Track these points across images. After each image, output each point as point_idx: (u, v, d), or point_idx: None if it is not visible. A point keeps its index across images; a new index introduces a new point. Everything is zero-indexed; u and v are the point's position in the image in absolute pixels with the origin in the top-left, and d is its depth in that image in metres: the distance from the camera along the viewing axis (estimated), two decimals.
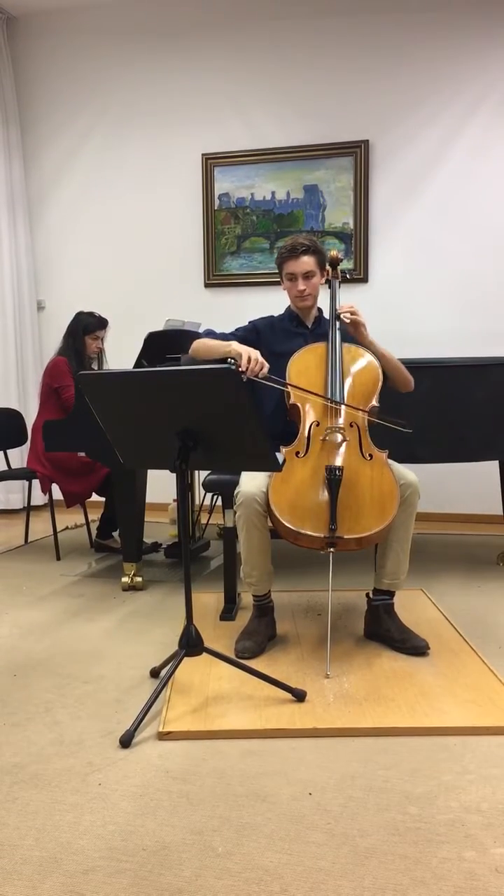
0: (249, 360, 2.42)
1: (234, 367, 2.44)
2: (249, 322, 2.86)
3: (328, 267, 2.88)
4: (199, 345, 2.66)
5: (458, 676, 2.28)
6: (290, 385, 2.53)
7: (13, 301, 4.93)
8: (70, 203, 5.06)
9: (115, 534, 3.95)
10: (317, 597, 3.06)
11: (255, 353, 2.45)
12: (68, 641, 2.67)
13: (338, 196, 4.59)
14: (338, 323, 2.64)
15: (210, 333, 2.77)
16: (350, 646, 2.54)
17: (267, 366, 2.45)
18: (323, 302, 2.82)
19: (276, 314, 2.90)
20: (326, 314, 2.86)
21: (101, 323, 3.84)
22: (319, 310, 2.88)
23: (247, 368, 2.40)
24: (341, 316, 2.63)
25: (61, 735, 1.99)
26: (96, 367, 3.90)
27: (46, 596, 3.21)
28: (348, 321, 2.61)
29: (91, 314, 3.84)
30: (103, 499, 3.97)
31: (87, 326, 3.80)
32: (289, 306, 2.86)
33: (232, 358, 2.45)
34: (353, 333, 2.66)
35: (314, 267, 2.70)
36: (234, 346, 2.49)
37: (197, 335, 3.68)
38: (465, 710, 2.07)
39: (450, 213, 4.45)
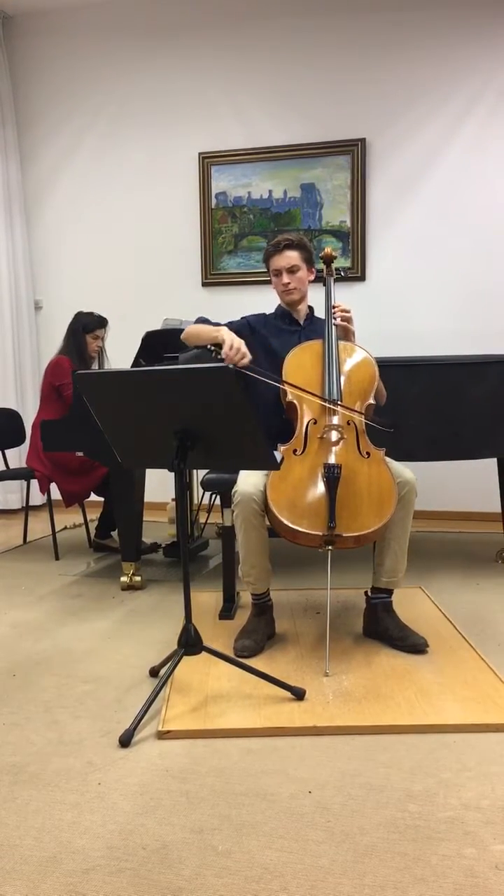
0: (231, 347, 2.44)
1: (214, 352, 2.48)
2: (242, 318, 2.85)
3: (323, 264, 2.88)
4: (190, 329, 2.68)
5: (457, 674, 2.28)
6: (301, 389, 2.51)
7: (10, 301, 4.93)
8: (67, 202, 5.06)
9: (114, 533, 3.95)
10: (315, 595, 3.07)
11: (240, 342, 2.47)
12: (67, 641, 2.67)
13: (335, 194, 4.59)
14: (333, 321, 2.65)
15: (204, 320, 2.76)
16: (349, 644, 2.55)
17: (249, 357, 2.47)
18: (318, 300, 2.82)
19: (267, 312, 2.90)
20: (318, 312, 2.86)
21: (101, 322, 3.87)
22: (311, 307, 2.88)
23: (227, 356, 2.42)
24: (333, 314, 2.64)
25: (61, 734, 1.99)
26: (97, 367, 3.91)
27: (45, 596, 3.21)
28: (337, 321, 2.62)
29: (90, 314, 3.87)
30: (102, 498, 3.97)
31: (86, 325, 3.83)
32: (279, 304, 2.86)
33: (214, 345, 2.47)
34: (342, 336, 2.67)
35: (299, 261, 2.72)
36: (223, 332, 2.52)
37: None
38: (464, 707, 2.07)
39: (447, 210, 4.45)
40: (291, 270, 2.73)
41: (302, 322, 2.84)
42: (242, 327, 2.79)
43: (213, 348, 2.49)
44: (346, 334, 2.69)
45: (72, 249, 5.07)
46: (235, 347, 2.45)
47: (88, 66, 4.92)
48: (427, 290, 4.50)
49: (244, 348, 2.47)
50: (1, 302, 4.89)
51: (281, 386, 2.56)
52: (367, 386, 2.58)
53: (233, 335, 2.50)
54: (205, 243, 4.82)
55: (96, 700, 2.19)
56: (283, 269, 2.73)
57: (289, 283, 2.74)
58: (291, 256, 2.71)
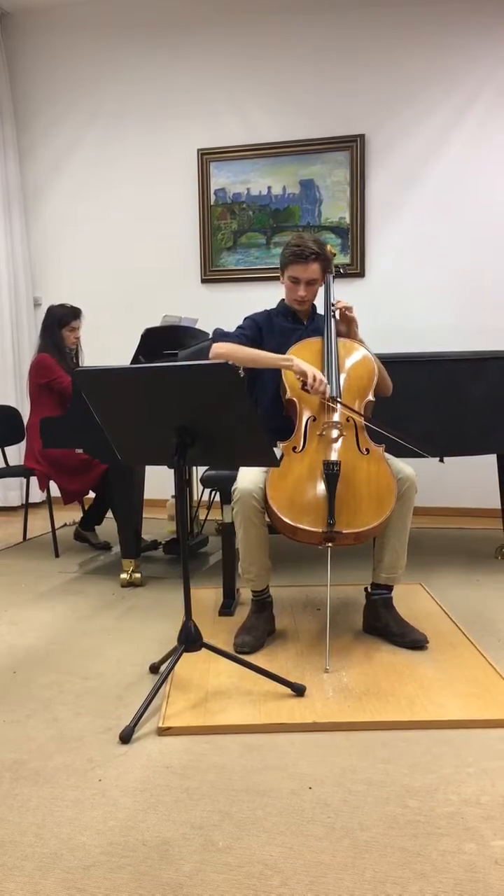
0: (315, 379, 2.41)
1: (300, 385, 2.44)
2: (247, 318, 2.84)
3: None
4: (234, 351, 2.58)
5: (457, 670, 2.28)
6: (356, 413, 2.49)
7: (9, 298, 4.93)
8: (66, 199, 5.05)
9: (98, 529, 3.97)
10: (315, 591, 3.07)
11: (321, 374, 2.44)
12: (67, 638, 2.67)
13: (334, 191, 4.58)
14: (333, 317, 2.64)
15: (224, 335, 2.74)
16: (349, 640, 2.55)
17: (327, 385, 2.44)
18: (318, 297, 2.81)
19: (269, 308, 2.89)
20: (319, 309, 2.86)
21: (75, 313, 3.83)
22: (313, 305, 2.88)
23: (312, 388, 2.41)
24: (334, 308, 2.63)
25: (61, 731, 1.99)
26: (75, 360, 3.90)
27: (45, 593, 3.21)
28: (337, 316, 2.61)
29: (62, 306, 3.83)
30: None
31: (61, 319, 3.79)
32: (283, 300, 2.85)
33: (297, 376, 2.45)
34: (345, 331, 2.67)
35: (318, 275, 2.69)
36: (297, 362, 2.47)
37: (194, 331, 3.69)
38: (464, 703, 2.07)
39: (446, 206, 4.45)
40: (310, 283, 2.69)
41: (305, 321, 2.84)
42: (253, 329, 2.78)
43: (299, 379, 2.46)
44: (350, 327, 2.68)
45: (71, 246, 5.07)
46: (319, 379, 2.41)
47: (87, 62, 4.91)
48: (427, 286, 4.50)
49: (322, 376, 2.44)
50: (0, 299, 4.89)
51: (359, 418, 2.50)
52: (367, 383, 2.58)
53: (309, 365, 2.44)
54: (204, 240, 4.81)
55: (96, 697, 2.19)
56: (303, 281, 2.68)
57: (305, 296, 2.71)
58: (314, 270, 2.66)
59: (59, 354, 3.76)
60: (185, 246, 4.84)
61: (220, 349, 2.61)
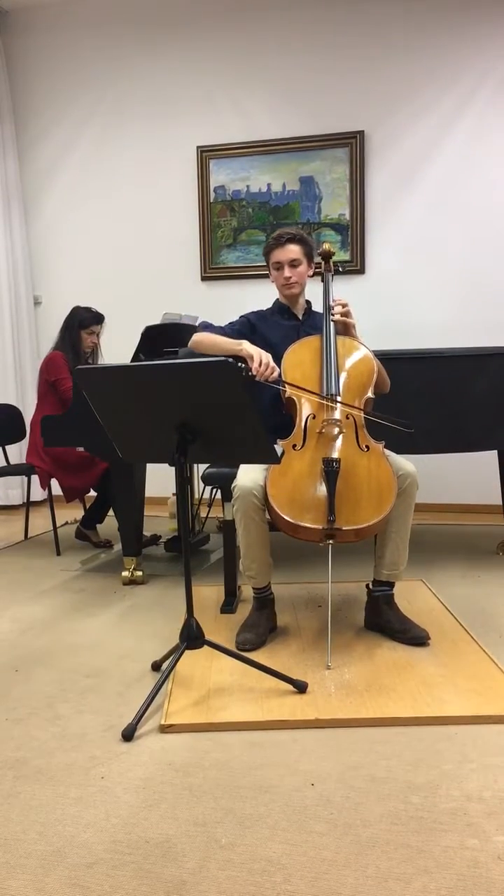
0: (261, 363, 2.43)
1: (244, 369, 2.44)
2: (241, 316, 2.85)
3: (321, 260, 2.88)
4: (203, 338, 2.65)
5: (459, 666, 2.28)
6: (301, 389, 2.49)
7: (9, 296, 4.93)
8: (65, 197, 5.05)
9: (100, 527, 3.96)
10: (317, 588, 3.07)
11: (268, 357, 2.46)
12: (69, 636, 2.67)
13: (334, 187, 4.57)
14: (332, 317, 2.64)
15: (208, 327, 2.76)
16: (351, 637, 2.55)
17: (278, 370, 2.46)
18: (316, 296, 2.81)
19: (264, 308, 2.90)
20: (316, 307, 2.86)
21: (97, 318, 3.84)
22: (308, 302, 2.88)
23: (258, 372, 2.41)
24: (332, 310, 2.63)
25: (64, 729, 2.00)
26: (91, 363, 3.90)
27: (47, 591, 3.22)
28: (336, 318, 2.62)
29: (87, 309, 3.84)
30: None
31: (82, 321, 3.80)
32: (277, 299, 2.87)
33: (242, 360, 2.45)
34: (343, 331, 2.67)
35: (300, 255, 2.73)
36: (246, 346, 2.49)
37: (195, 329, 3.68)
38: (466, 699, 2.07)
39: (446, 202, 4.44)
40: (293, 264, 2.73)
41: (300, 316, 2.84)
42: (244, 326, 2.79)
43: (242, 365, 2.46)
44: (347, 328, 2.68)
45: (70, 244, 5.07)
46: (265, 363, 2.44)
47: (86, 60, 4.90)
48: (426, 283, 4.49)
49: (272, 362, 2.46)
50: (0, 298, 4.89)
51: (300, 395, 2.51)
52: (366, 380, 2.58)
53: (259, 350, 2.47)
54: (204, 237, 4.81)
55: (99, 695, 2.19)
56: (285, 263, 2.73)
57: (290, 277, 2.74)
58: (293, 250, 2.71)
59: (73, 354, 3.77)
60: (184, 243, 4.84)
61: (195, 337, 2.67)
